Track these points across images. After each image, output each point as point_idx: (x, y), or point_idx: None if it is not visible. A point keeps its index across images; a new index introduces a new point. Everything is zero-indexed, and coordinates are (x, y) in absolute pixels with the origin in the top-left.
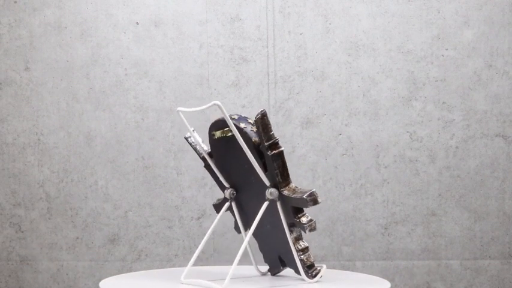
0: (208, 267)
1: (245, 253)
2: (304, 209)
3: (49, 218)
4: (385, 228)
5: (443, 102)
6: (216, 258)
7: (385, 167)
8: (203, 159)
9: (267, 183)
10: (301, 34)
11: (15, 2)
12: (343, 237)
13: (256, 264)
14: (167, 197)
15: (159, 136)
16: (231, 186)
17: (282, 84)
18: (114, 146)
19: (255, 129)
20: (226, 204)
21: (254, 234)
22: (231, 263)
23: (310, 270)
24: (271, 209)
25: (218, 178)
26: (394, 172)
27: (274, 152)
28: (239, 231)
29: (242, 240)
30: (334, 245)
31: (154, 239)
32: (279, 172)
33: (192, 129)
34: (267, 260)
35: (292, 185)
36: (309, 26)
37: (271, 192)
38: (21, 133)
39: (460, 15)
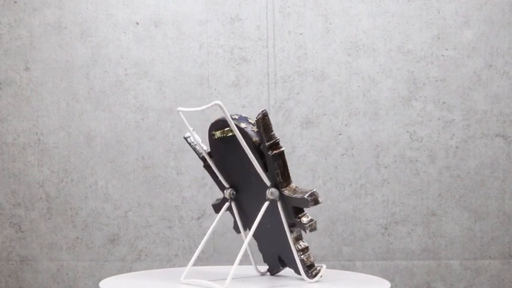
0: (208, 267)
1: (245, 253)
2: (304, 209)
3: (49, 218)
4: (385, 228)
5: (443, 102)
6: (216, 258)
7: (385, 167)
8: (202, 159)
9: (268, 183)
10: (301, 34)
11: (15, 2)
12: (343, 237)
13: (255, 264)
14: (167, 197)
15: (159, 136)
16: (230, 186)
17: (282, 84)
18: (114, 146)
19: (255, 129)
20: (226, 204)
21: (254, 234)
22: (231, 263)
23: (310, 270)
24: (272, 209)
25: (217, 178)
26: (394, 172)
27: (275, 152)
28: (238, 231)
29: (242, 241)
30: (334, 245)
31: (154, 239)
32: (280, 172)
33: (192, 129)
34: (266, 260)
35: (293, 185)
36: (309, 26)
37: (271, 192)
38: (21, 133)
39: (460, 15)
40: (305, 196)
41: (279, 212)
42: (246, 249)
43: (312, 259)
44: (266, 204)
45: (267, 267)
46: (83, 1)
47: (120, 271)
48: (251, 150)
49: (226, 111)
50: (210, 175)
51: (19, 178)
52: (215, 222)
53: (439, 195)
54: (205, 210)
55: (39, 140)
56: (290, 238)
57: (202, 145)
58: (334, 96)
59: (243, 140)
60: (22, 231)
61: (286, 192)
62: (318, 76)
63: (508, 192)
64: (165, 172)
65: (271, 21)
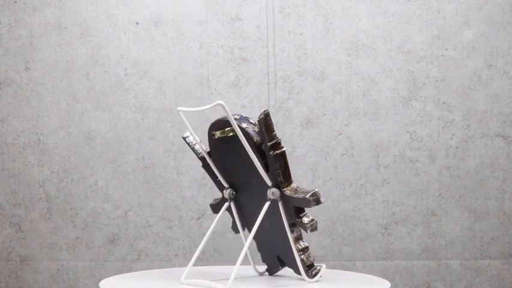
0: (208, 267)
1: (240, 253)
2: (305, 209)
3: (49, 218)
4: (385, 228)
5: (443, 102)
6: (216, 258)
7: (385, 167)
8: (201, 159)
9: (269, 183)
10: (301, 34)
11: (15, 2)
12: (343, 237)
13: (254, 264)
14: (167, 197)
15: (159, 136)
16: (230, 186)
17: (282, 84)
18: (114, 146)
19: (256, 129)
20: (226, 204)
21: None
22: (231, 263)
23: (310, 269)
24: (272, 209)
25: (216, 178)
26: (394, 172)
27: (276, 152)
28: (237, 231)
29: (242, 241)
30: (334, 245)
31: (154, 239)
32: (281, 172)
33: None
34: (265, 259)
35: (294, 185)
36: (309, 26)
37: (273, 192)
38: (21, 133)
39: (460, 15)
40: (307, 196)
41: (279, 212)
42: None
43: (312, 259)
44: (267, 204)
45: (266, 267)
46: (83, 1)
47: (120, 271)
48: (252, 150)
49: (228, 111)
50: (209, 175)
51: (19, 178)
52: (215, 222)
53: (439, 195)
54: (205, 210)
55: (39, 140)
56: (291, 238)
57: (201, 145)
58: (334, 96)
59: (244, 140)
60: (22, 231)
61: (287, 192)
62: (318, 76)
63: (508, 192)
64: (165, 172)
65: (271, 21)
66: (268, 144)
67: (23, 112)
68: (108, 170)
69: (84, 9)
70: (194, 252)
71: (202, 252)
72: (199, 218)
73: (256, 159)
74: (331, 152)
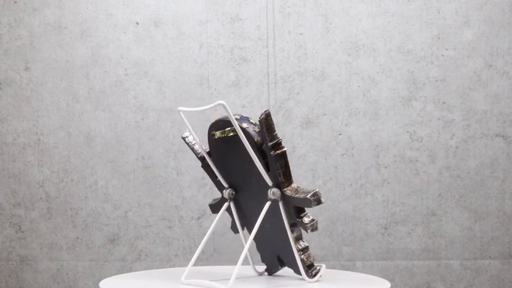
0: (208, 267)
1: (241, 253)
2: (305, 209)
3: (49, 218)
4: (385, 228)
5: (443, 102)
6: (216, 258)
7: (385, 167)
8: (200, 159)
9: (270, 183)
10: (301, 34)
11: (15, 2)
12: (343, 237)
13: (253, 264)
14: (167, 197)
15: (159, 136)
16: (229, 186)
17: (282, 84)
18: (114, 146)
19: (257, 129)
20: (226, 204)
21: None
22: (231, 263)
23: (310, 269)
24: (273, 209)
25: (216, 178)
26: (394, 172)
27: (277, 152)
28: (236, 231)
29: (242, 241)
30: (334, 245)
31: (154, 239)
32: (282, 172)
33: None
34: (264, 259)
35: (294, 185)
36: (309, 26)
37: (273, 192)
38: (21, 133)
39: (460, 15)
40: (308, 196)
41: (280, 212)
42: (244, 248)
43: (312, 259)
44: (268, 204)
45: (265, 267)
46: (83, 1)
47: (120, 271)
48: (253, 150)
49: (230, 111)
50: (208, 175)
51: (19, 178)
52: (215, 222)
53: (439, 195)
54: (205, 210)
55: (39, 140)
56: (291, 238)
57: (201, 145)
58: (334, 96)
59: (245, 140)
60: (22, 231)
61: (288, 192)
62: (318, 76)
63: (508, 192)
64: (165, 172)
65: (271, 21)
66: (269, 144)
67: (23, 112)
68: (108, 170)
69: (84, 9)
70: (194, 252)
71: (202, 252)
72: (199, 218)
73: (257, 159)
74: (331, 152)
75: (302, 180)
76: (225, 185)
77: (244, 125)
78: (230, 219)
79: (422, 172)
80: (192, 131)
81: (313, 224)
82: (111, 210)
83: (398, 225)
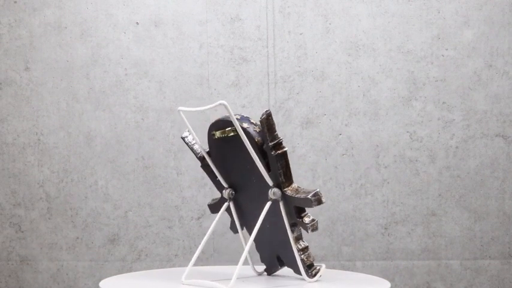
0: (208, 267)
1: (240, 253)
2: (306, 208)
3: (49, 218)
4: (385, 228)
5: (443, 102)
6: (216, 258)
7: (385, 167)
8: (200, 159)
9: (270, 183)
10: (301, 34)
11: (15, 2)
12: (343, 237)
13: (253, 264)
14: (167, 197)
15: (159, 136)
16: (229, 186)
17: (282, 84)
18: (114, 146)
19: (257, 129)
20: (226, 204)
21: (252, 233)
22: (231, 263)
23: (310, 269)
24: (273, 209)
25: (215, 178)
26: (394, 172)
27: (278, 152)
28: (235, 231)
29: (241, 241)
30: (334, 245)
31: (154, 239)
32: (282, 172)
33: (187, 129)
34: (264, 259)
35: (295, 185)
36: (309, 26)
37: (274, 192)
38: (21, 133)
39: (460, 15)
40: (308, 196)
41: (280, 212)
42: (243, 248)
43: (311, 259)
44: (268, 204)
45: (264, 267)
46: (83, 1)
47: (120, 271)
48: (254, 150)
49: (231, 111)
50: (208, 175)
51: (19, 178)
52: (215, 222)
53: (439, 195)
54: (205, 210)
55: (39, 140)
56: (292, 238)
57: (201, 144)
58: (334, 96)
59: (247, 140)
60: (22, 231)
61: (288, 192)
62: (318, 76)
63: (508, 192)
64: (165, 172)
65: (271, 21)
66: (270, 144)
67: (23, 112)
68: (108, 170)
69: (84, 9)
70: (194, 252)
71: (202, 252)
72: (199, 218)
73: (258, 159)
74: (331, 152)
75: (302, 180)
76: (225, 185)
77: (245, 125)
78: (230, 219)
79: (422, 172)
80: (192, 131)
81: (313, 224)
82: (111, 210)
83: (398, 225)
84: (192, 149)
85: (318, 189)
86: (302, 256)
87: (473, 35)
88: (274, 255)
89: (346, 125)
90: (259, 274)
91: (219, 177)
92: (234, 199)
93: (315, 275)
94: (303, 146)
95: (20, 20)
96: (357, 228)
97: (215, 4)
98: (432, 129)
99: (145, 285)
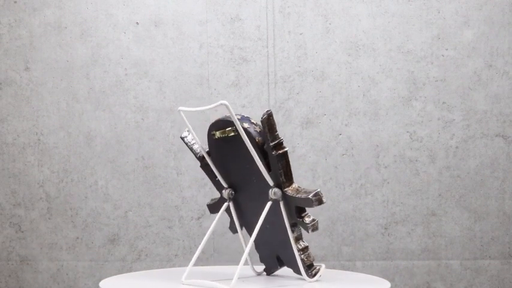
0: (208, 267)
1: (240, 253)
2: (306, 208)
3: (49, 218)
4: (385, 228)
5: (443, 102)
6: (216, 258)
7: (385, 167)
8: (199, 159)
9: (271, 183)
10: (301, 34)
11: (15, 2)
12: (343, 237)
13: (252, 264)
14: (167, 197)
15: (159, 136)
16: (229, 186)
17: (282, 84)
18: (114, 146)
19: (258, 129)
20: (226, 204)
21: (251, 233)
22: (231, 263)
23: (310, 269)
24: (274, 209)
25: (215, 178)
26: (394, 172)
27: (279, 152)
28: (234, 231)
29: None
30: (334, 245)
31: (154, 239)
32: (283, 172)
33: (187, 129)
34: (263, 259)
35: (295, 185)
36: (309, 26)
37: (274, 192)
38: (21, 133)
39: (460, 15)
40: (309, 196)
41: (280, 212)
42: (242, 248)
43: (311, 259)
44: (269, 204)
45: (263, 267)
46: (83, 1)
47: (120, 271)
48: (254, 150)
49: (232, 111)
50: (207, 175)
51: (19, 178)
52: (215, 222)
53: (439, 195)
54: (205, 210)
55: (39, 140)
56: (292, 238)
57: (200, 144)
58: (334, 96)
59: (248, 140)
60: (22, 231)
61: (289, 192)
62: (318, 76)
63: (508, 192)
64: (165, 172)
65: (271, 21)
66: (271, 144)
67: (23, 112)
68: (108, 170)
69: (84, 9)
70: (194, 252)
71: (202, 252)
72: (199, 218)
73: (259, 159)
74: (331, 152)
75: (302, 180)
76: (224, 185)
77: (246, 125)
78: (229, 220)
79: (422, 172)
80: (192, 131)
81: (314, 224)
82: (111, 210)
83: (398, 225)
84: (191, 149)
85: (318, 189)
86: (302, 256)
87: (473, 35)
88: (273, 255)
89: (346, 125)
90: (258, 274)
91: (219, 177)
92: (234, 199)
93: (315, 274)
94: (303, 146)
95: (20, 20)
96: (357, 228)
97: (215, 4)
98: (432, 129)
99: (145, 285)
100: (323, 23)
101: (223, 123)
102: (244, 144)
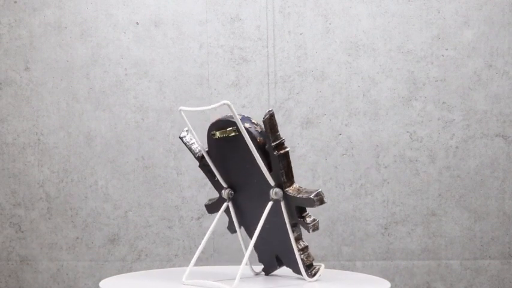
0: (208, 267)
1: (239, 252)
2: (307, 208)
3: (49, 218)
4: (385, 228)
5: (443, 102)
6: (216, 258)
7: (385, 167)
8: (198, 158)
9: (272, 183)
10: (301, 34)
11: (15, 2)
12: (343, 237)
13: (250, 264)
14: (167, 197)
15: (159, 136)
16: (228, 186)
17: (282, 84)
18: (114, 146)
19: (258, 129)
20: (225, 204)
21: (251, 234)
22: (231, 263)
23: (310, 269)
24: (274, 209)
25: (214, 178)
26: (394, 172)
27: (280, 152)
28: (233, 231)
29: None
30: (334, 245)
31: (154, 239)
32: (284, 172)
33: (186, 129)
34: (262, 259)
35: (296, 185)
36: (309, 26)
37: (276, 192)
38: (21, 133)
39: (460, 15)
40: (311, 196)
41: (281, 212)
42: (242, 248)
43: (311, 258)
44: (270, 204)
45: (262, 266)
46: (83, 1)
47: (120, 271)
48: (256, 150)
49: (235, 111)
50: (206, 175)
51: (19, 178)
52: (215, 222)
53: (439, 195)
54: (205, 210)
55: (39, 140)
56: (292, 238)
57: (200, 144)
58: (334, 96)
59: (249, 140)
60: (22, 231)
61: (290, 192)
62: (318, 76)
63: (508, 192)
64: (165, 172)
65: (271, 21)
66: (273, 144)
67: (23, 112)
68: (108, 170)
69: (84, 9)
70: (194, 252)
71: (202, 252)
72: (199, 218)
73: (260, 160)
74: (331, 152)
75: (302, 180)
76: (224, 185)
77: (247, 125)
78: (228, 219)
79: (422, 172)
80: (192, 131)
81: (314, 224)
82: (111, 210)
83: (398, 225)
84: (190, 149)
85: (320, 189)
86: (302, 256)
87: (473, 35)
88: (273, 255)
89: (346, 125)
90: (257, 274)
91: (218, 177)
92: (233, 199)
93: (315, 274)
94: (303, 146)
95: (20, 20)
96: (357, 228)
97: (215, 4)
98: (432, 129)
99: (145, 285)
100: (323, 23)
101: (223, 123)
102: (245, 144)
